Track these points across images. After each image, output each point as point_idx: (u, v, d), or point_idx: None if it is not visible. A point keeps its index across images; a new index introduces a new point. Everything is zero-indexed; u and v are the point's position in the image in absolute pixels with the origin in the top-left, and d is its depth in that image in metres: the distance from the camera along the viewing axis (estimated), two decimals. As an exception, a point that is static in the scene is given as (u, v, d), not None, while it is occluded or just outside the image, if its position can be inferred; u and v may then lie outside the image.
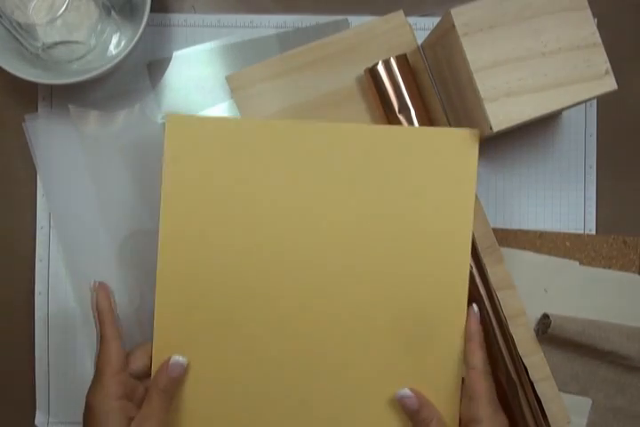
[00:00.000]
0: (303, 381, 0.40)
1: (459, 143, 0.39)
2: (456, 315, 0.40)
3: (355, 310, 0.40)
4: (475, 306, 0.40)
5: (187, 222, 0.39)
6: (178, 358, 0.39)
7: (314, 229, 0.40)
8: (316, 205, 0.40)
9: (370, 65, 0.46)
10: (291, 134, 0.40)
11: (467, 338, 0.39)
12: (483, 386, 0.37)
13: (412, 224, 0.40)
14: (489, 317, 0.45)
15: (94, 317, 0.41)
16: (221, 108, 0.49)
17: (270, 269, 0.40)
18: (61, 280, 0.49)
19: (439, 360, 0.40)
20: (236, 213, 0.39)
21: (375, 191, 0.40)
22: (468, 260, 0.40)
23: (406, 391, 0.38)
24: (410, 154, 0.40)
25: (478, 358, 0.38)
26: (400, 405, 0.39)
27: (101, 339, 0.38)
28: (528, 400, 0.45)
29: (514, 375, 0.45)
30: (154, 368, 0.39)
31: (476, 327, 0.39)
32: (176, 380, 0.38)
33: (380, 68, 0.45)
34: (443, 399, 0.39)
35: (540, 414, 0.45)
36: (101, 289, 0.40)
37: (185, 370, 0.39)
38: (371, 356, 0.40)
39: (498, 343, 0.45)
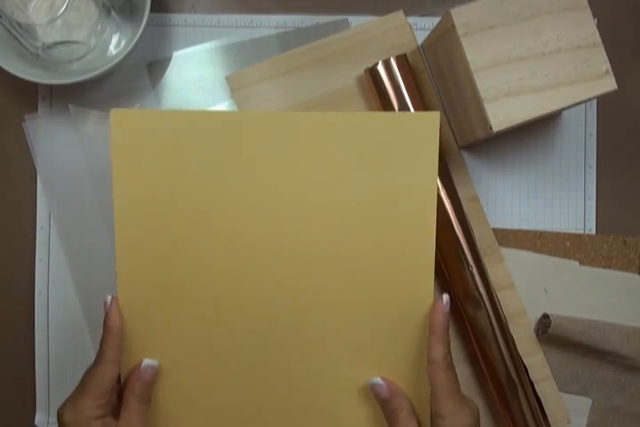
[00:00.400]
0: (275, 368, 0.40)
1: (420, 126, 0.38)
2: (422, 304, 0.39)
3: (324, 296, 0.39)
4: (445, 296, 0.38)
5: (143, 220, 0.39)
6: (149, 362, 0.38)
7: (277, 216, 0.39)
8: (276, 193, 0.39)
9: (370, 65, 0.46)
10: (245, 125, 0.39)
11: (430, 330, 0.37)
12: (442, 381, 0.36)
13: (378, 208, 0.39)
14: (489, 317, 0.45)
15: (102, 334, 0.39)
16: (221, 108, 0.49)
17: (234, 258, 0.39)
18: (61, 280, 0.49)
19: (409, 350, 0.39)
20: (192, 206, 0.39)
21: (336, 177, 0.39)
22: (433, 246, 0.38)
23: (377, 380, 0.38)
24: (371, 139, 0.39)
25: (438, 351, 0.36)
26: (372, 393, 0.39)
27: (99, 359, 0.37)
28: (528, 400, 0.45)
29: (514, 375, 0.45)
30: (123, 371, 0.38)
31: (438, 319, 0.37)
32: (150, 383, 0.38)
33: (380, 68, 0.45)
34: (414, 391, 0.39)
35: (540, 414, 0.45)
36: (114, 306, 0.38)
37: (157, 372, 0.38)
38: (342, 343, 0.40)
39: (498, 343, 0.45)
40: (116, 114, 0.38)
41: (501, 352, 0.45)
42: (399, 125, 0.39)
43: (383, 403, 0.38)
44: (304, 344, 0.40)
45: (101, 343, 0.37)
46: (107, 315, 0.37)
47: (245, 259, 0.39)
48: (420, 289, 0.39)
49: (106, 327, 0.37)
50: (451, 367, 0.37)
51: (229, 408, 0.40)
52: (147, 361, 0.38)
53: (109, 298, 0.38)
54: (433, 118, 0.38)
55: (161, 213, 0.39)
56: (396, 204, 0.39)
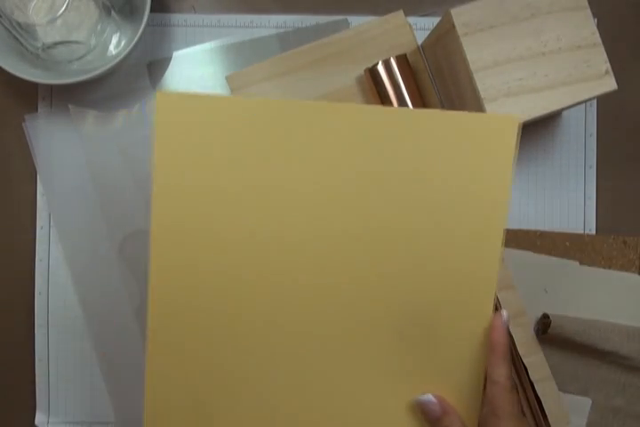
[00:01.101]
0: (305, 382, 0.38)
1: (495, 131, 0.35)
2: (480, 319, 0.36)
3: (363, 311, 0.37)
4: (504, 312, 0.36)
5: (181, 214, 0.36)
6: None
7: (323, 221, 0.36)
8: (326, 195, 0.36)
9: (370, 65, 0.46)
10: (298, 115, 0.35)
11: (489, 348, 0.36)
12: (506, 402, 0.35)
13: (440, 216, 0.36)
14: None
15: None
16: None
17: (272, 263, 0.37)
18: (61, 280, 0.49)
19: (461, 368, 0.37)
20: (236, 202, 0.36)
21: (393, 181, 0.36)
22: (497, 260, 0.36)
23: (429, 397, 0.36)
24: (436, 141, 0.35)
25: (500, 371, 0.35)
26: (421, 411, 0.36)
27: None
28: (528, 400, 0.45)
29: (514, 375, 0.45)
30: (149, 370, 0.36)
31: (499, 337, 0.35)
32: None
33: (380, 68, 0.45)
34: (462, 410, 0.37)
35: (540, 414, 0.45)
36: None
37: None
38: (388, 360, 0.37)
39: None
40: (160, 97, 0.34)
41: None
42: (471, 128, 0.35)
43: (434, 421, 0.36)
44: (337, 360, 0.37)
45: None
46: None
47: (286, 267, 0.37)
48: (479, 304, 0.36)
49: None
50: (514, 388, 0.35)
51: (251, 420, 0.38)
52: None
53: None
54: (511, 123, 0.35)
55: (204, 203, 0.36)
56: (460, 213, 0.36)
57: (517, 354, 0.45)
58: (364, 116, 0.35)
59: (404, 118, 0.35)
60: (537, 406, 0.45)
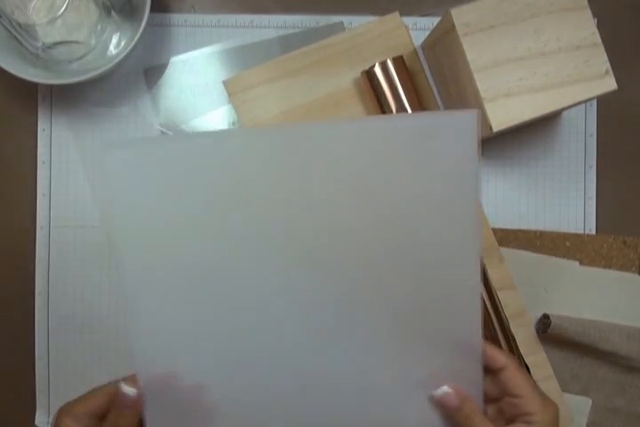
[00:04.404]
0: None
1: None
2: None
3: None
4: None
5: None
6: (127, 389, 0.35)
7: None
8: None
9: (367, 67, 0.46)
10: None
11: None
12: (522, 380, 0.36)
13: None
14: (490, 317, 0.45)
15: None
16: (220, 113, 0.49)
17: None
18: (61, 280, 0.49)
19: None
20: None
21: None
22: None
23: (445, 388, 0.36)
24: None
25: (502, 358, 0.36)
26: (438, 404, 0.37)
27: (112, 421, 0.35)
28: None
29: None
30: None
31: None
32: (129, 413, 0.35)
33: (377, 70, 0.45)
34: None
35: None
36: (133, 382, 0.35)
37: (139, 399, 0.35)
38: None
39: (499, 343, 0.45)
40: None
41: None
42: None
43: (454, 411, 0.36)
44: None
45: (117, 413, 0.35)
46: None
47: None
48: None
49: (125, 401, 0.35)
50: (524, 369, 0.37)
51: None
52: (125, 388, 0.35)
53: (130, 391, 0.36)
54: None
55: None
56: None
57: (519, 354, 0.46)
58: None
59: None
60: None
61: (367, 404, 0.38)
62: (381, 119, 0.37)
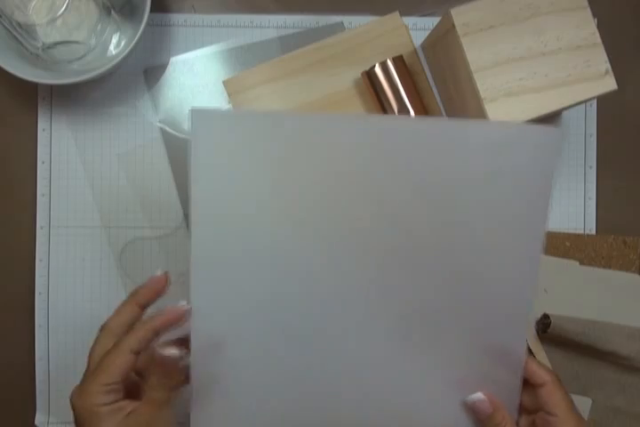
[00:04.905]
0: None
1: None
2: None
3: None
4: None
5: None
6: (170, 351, 0.35)
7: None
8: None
9: (367, 67, 0.46)
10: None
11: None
12: (559, 399, 0.36)
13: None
14: None
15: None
16: (221, 109, 0.49)
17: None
18: (61, 280, 0.49)
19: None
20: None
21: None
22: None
23: (479, 395, 0.37)
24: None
25: (542, 374, 0.36)
26: (472, 409, 0.38)
27: (119, 344, 0.34)
28: None
29: None
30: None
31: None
32: (170, 374, 0.35)
33: (378, 71, 0.45)
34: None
35: None
36: (152, 288, 0.36)
37: (178, 360, 0.35)
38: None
39: None
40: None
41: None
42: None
43: (486, 419, 0.37)
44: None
45: (132, 330, 0.35)
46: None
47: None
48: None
49: (137, 294, 0.36)
50: (558, 380, 0.37)
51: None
52: (168, 350, 0.35)
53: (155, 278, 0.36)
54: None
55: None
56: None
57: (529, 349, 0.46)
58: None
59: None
60: None
61: (398, 398, 0.38)
62: (462, 123, 0.35)
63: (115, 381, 0.34)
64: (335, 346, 0.37)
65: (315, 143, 0.35)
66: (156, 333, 0.35)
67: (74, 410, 0.34)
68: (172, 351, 0.35)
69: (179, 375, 0.35)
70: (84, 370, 0.36)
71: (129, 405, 0.35)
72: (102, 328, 0.36)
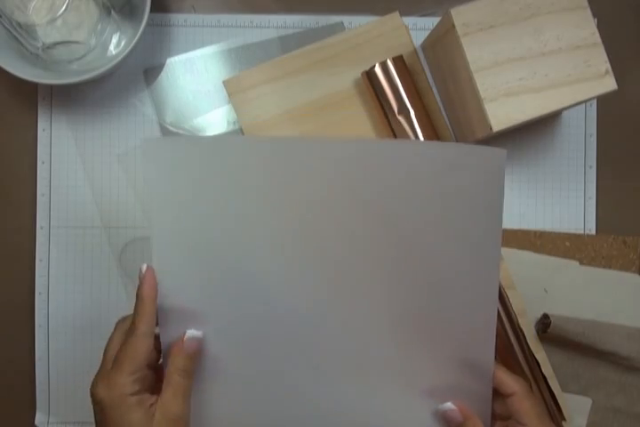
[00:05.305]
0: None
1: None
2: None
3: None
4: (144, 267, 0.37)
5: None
6: (193, 333, 0.36)
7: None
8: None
9: (367, 67, 0.46)
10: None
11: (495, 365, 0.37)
12: (528, 408, 0.36)
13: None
14: (499, 313, 0.45)
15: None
16: (220, 113, 0.49)
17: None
18: (61, 280, 0.49)
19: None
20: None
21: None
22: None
23: (449, 405, 0.37)
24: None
25: (511, 383, 0.36)
26: (443, 419, 0.38)
27: (132, 332, 0.35)
28: (542, 394, 0.45)
29: (527, 371, 0.45)
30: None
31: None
32: (194, 356, 0.36)
33: (378, 71, 0.45)
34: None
35: (554, 408, 0.46)
36: (148, 276, 0.36)
37: (201, 345, 0.36)
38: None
39: (509, 339, 0.45)
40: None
41: (513, 348, 0.45)
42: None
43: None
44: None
45: (134, 315, 0.35)
46: (140, 284, 0.36)
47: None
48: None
49: (139, 298, 0.35)
50: (529, 389, 0.37)
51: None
52: (190, 332, 0.36)
53: (144, 267, 0.36)
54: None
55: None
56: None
57: (529, 349, 0.46)
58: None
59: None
60: (551, 401, 0.46)
61: (369, 408, 0.38)
62: (407, 144, 0.36)
63: (140, 369, 0.34)
64: (307, 360, 0.38)
65: (258, 167, 0.36)
66: (154, 302, 0.36)
67: (99, 403, 0.34)
68: (194, 332, 0.36)
69: (198, 359, 0.36)
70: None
71: (149, 398, 0.35)
72: (118, 325, 0.36)
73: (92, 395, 0.35)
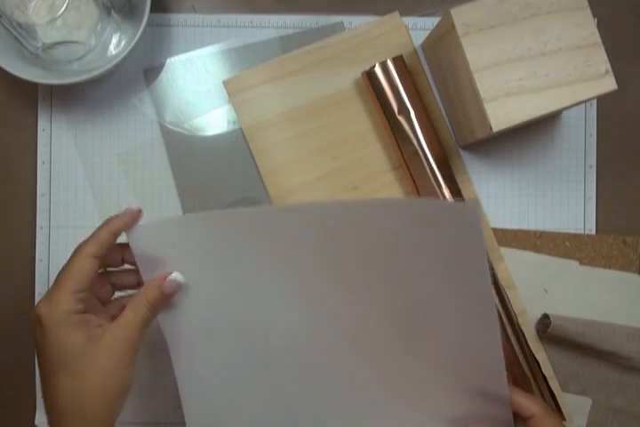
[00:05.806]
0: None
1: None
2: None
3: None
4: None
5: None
6: (177, 276, 0.36)
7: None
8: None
9: (367, 67, 0.46)
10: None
11: (511, 390, 0.37)
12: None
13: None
14: (499, 313, 0.45)
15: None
16: (220, 113, 0.49)
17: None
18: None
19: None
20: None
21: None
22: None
23: None
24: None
25: (530, 406, 0.37)
26: None
27: (78, 251, 0.34)
28: (542, 394, 0.45)
29: (527, 371, 0.45)
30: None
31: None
32: (167, 297, 0.35)
33: (378, 71, 0.45)
34: None
35: (554, 408, 0.46)
36: (127, 215, 0.36)
37: (179, 289, 0.36)
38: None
39: (509, 339, 0.45)
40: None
41: (513, 348, 0.45)
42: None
43: None
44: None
45: (87, 238, 0.35)
46: (113, 216, 0.36)
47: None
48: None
49: (101, 225, 0.35)
50: (548, 411, 0.37)
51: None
52: (176, 275, 0.36)
53: (134, 206, 0.36)
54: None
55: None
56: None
57: (529, 349, 0.46)
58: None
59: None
60: (551, 401, 0.46)
61: None
62: (382, 203, 0.36)
63: (82, 288, 0.33)
64: (318, 406, 0.40)
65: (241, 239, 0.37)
66: (115, 235, 0.35)
67: (38, 321, 0.33)
68: (179, 276, 0.36)
69: (168, 301, 0.36)
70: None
71: (95, 320, 0.34)
72: (75, 252, 0.35)
73: (32, 313, 0.33)
